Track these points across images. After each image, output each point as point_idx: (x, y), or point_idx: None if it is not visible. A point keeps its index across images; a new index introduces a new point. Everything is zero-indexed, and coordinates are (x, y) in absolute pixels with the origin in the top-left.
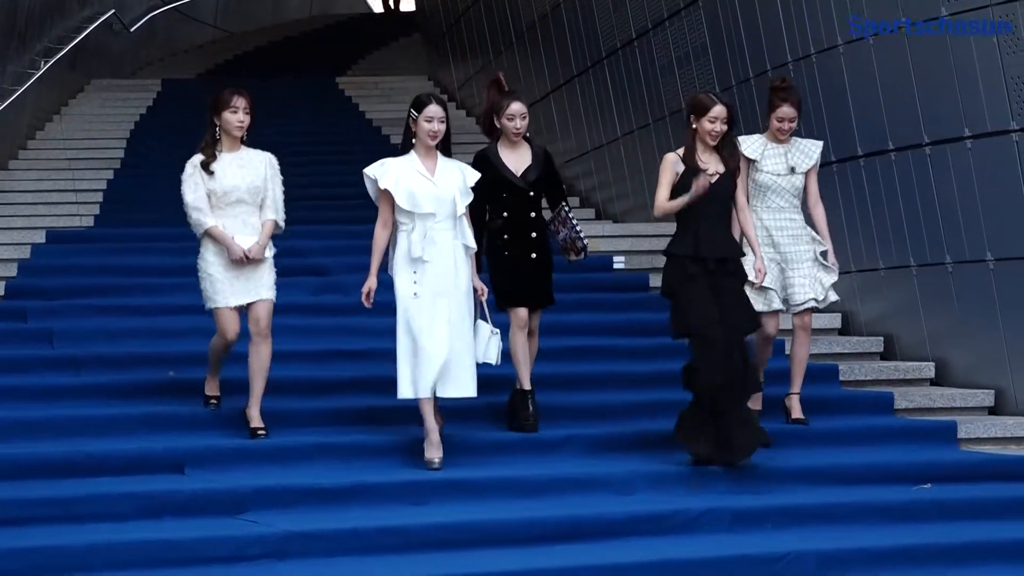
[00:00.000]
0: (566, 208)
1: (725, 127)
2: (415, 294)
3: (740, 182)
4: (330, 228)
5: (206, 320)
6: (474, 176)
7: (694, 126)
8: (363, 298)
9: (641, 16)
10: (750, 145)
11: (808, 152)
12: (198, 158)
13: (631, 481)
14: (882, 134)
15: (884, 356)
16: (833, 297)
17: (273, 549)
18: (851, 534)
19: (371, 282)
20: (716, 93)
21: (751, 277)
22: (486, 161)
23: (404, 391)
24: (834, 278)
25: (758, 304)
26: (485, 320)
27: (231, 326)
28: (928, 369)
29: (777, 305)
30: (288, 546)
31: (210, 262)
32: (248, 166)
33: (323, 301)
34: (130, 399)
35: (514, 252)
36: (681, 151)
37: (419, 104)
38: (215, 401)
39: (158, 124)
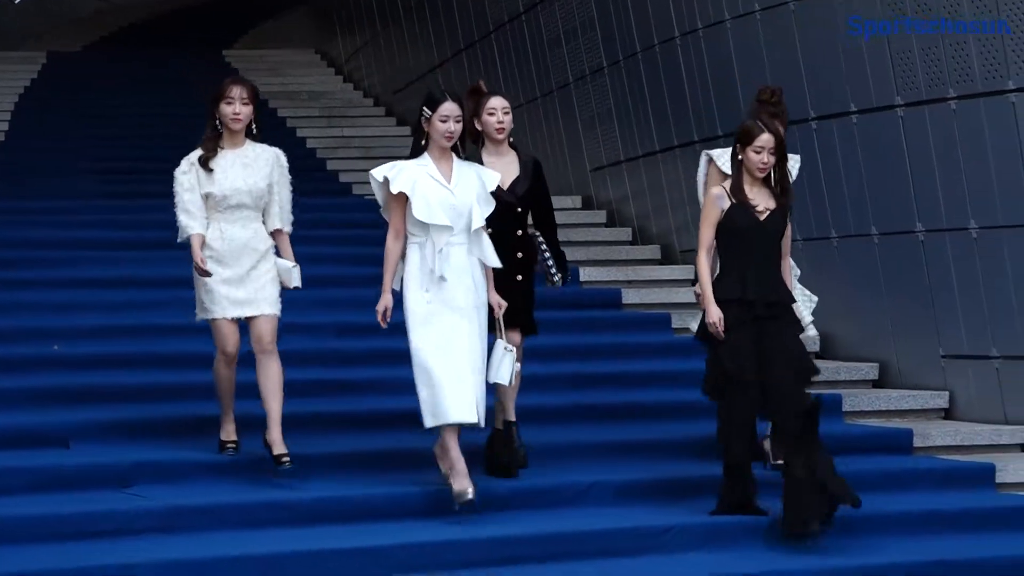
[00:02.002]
0: (539, 237)
1: (773, 158)
2: (429, 315)
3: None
4: None
5: (91, 293)
6: (493, 179)
7: (740, 157)
8: (379, 318)
9: None
10: (728, 160)
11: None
12: (196, 154)
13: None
14: None
15: None
16: (812, 332)
17: (159, 523)
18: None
19: (387, 299)
20: (765, 120)
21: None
22: None
23: (428, 420)
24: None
25: None
26: (500, 336)
27: (230, 338)
28: (813, 343)
29: None
30: (173, 520)
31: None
32: (253, 165)
33: None
34: (14, 373)
35: (497, 272)
36: (727, 184)
37: (433, 102)
38: (232, 446)
39: (43, 97)
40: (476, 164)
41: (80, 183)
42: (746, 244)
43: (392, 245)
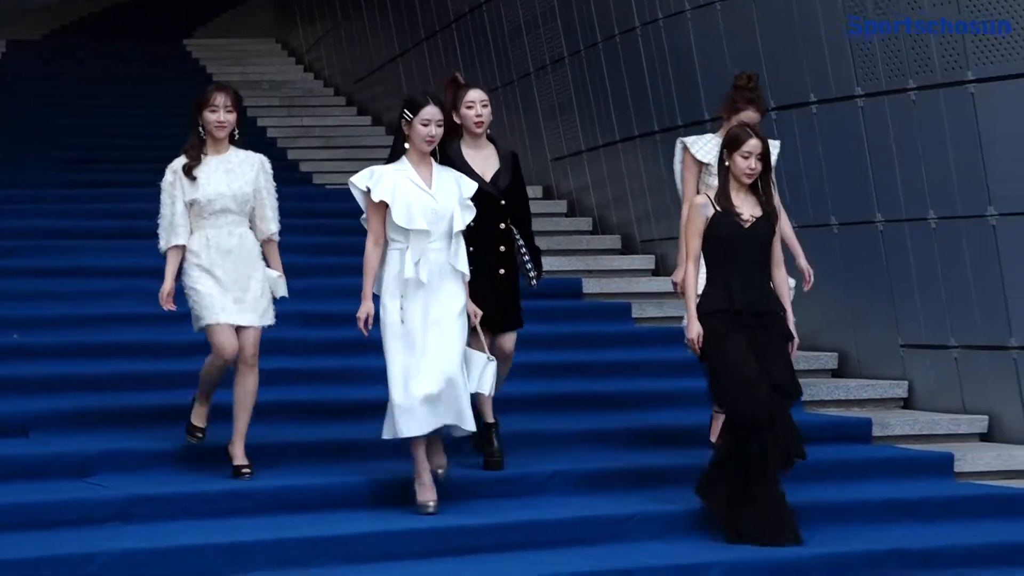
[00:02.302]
0: (518, 238)
1: (760, 164)
2: (402, 320)
3: (778, 226)
4: None
5: (51, 282)
6: (470, 187)
7: (727, 163)
8: (360, 325)
9: None
10: (702, 147)
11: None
12: (179, 162)
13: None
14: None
15: None
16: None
17: (118, 512)
18: None
19: (367, 306)
20: (752, 126)
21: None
22: (448, 164)
23: (389, 430)
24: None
25: None
26: (482, 345)
27: (228, 342)
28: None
29: None
30: (133, 509)
31: (195, 278)
32: (236, 171)
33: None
34: None
35: (480, 267)
36: (711, 192)
37: (414, 105)
38: (200, 435)
39: (3, 86)
40: (454, 170)
41: (41, 173)
42: (731, 252)
43: (372, 251)
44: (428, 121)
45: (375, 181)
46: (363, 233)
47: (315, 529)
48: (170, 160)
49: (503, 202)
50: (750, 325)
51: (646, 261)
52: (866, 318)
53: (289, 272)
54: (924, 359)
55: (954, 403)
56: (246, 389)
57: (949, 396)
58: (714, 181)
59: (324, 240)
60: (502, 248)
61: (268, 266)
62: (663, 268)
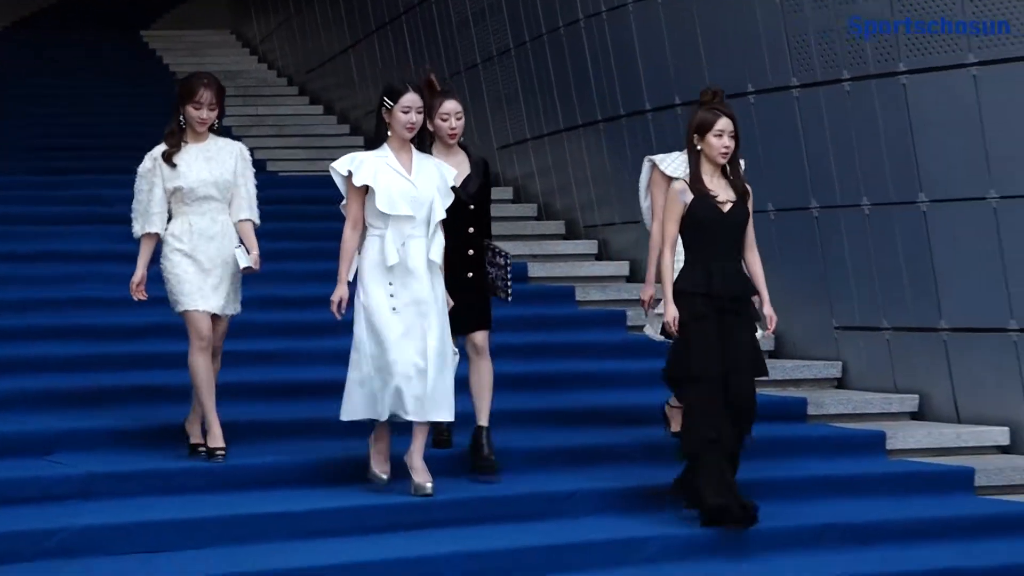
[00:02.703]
0: (497, 249)
1: (733, 142)
2: (393, 308)
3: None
4: (133, 179)
5: (14, 267)
6: (451, 173)
7: (699, 147)
8: (333, 308)
9: None
10: (670, 164)
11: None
12: (159, 150)
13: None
14: (668, 90)
15: None
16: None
17: (80, 489)
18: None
19: (342, 290)
20: (718, 106)
21: (767, 324)
22: None
23: (354, 412)
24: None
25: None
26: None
27: (203, 323)
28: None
29: None
30: (93, 486)
31: (175, 262)
32: (216, 158)
33: (126, 249)
34: None
35: (448, 269)
36: (687, 178)
37: (394, 93)
38: (222, 453)
39: None
40: (433, 157)
41: (4, 161)
42: (710, 236)
43: (350, 236)
44: (408, 108)
45: (356, 166)
46: (317, 219)
47: (270, 505)
48: (131, 147)
49: (471, 207)
50: (724, 309)
51: (589, 246)
52: (802, 301)
53: None
54: (857, 341)
55: (886, 383)
56: (213, 370)
57: (881, 376)
58: None
59: (278, 226)
60: (471, 252)
61: (241, 243)
62: (606, 253)
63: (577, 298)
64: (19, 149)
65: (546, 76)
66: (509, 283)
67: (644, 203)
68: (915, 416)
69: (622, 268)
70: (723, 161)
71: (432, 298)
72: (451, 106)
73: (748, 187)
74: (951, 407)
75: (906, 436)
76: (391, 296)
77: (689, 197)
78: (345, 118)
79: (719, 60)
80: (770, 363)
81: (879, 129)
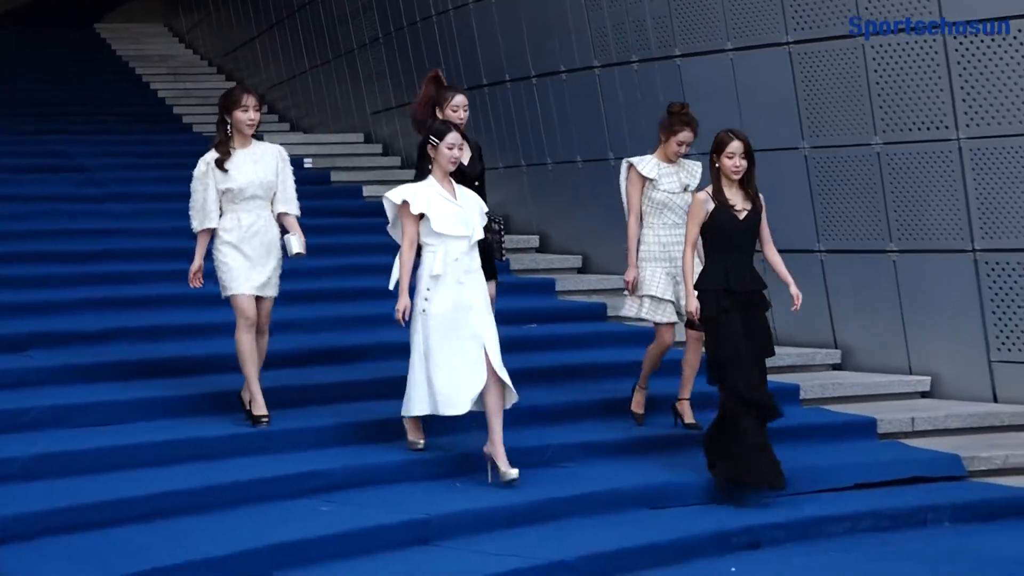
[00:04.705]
0: (493, 216)
1: (745, 162)
2: (449, 313)
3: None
4: (90, 137)
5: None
6: (481, 203)
7: (717, 164)
8: (399, 316)
9: None
10: (646, 165)
11: (692, 171)
12: (212, 155)
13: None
14: (500, 69)
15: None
16: None
17: (20, 471)
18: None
19: (405, 300)
20: (735, 129)
21: (794, 302)
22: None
23: (422, 408)
24: None
25: (656, 315)
26: None
27: (250, 306)
28: (534, 240)
29: (674, 317)
30: (35, 467)
31: (225, 253)
32: (261, 161)
33: (85, 192)
34: None
35: None
36: (710, 189)
37: (439, 133)
38: (266, 420)
39: None
40: (468, 189)
41: None
42: (727, 240)
43: (408, 253)
44: (452, 145)
45: (411, 196)
46: None
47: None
48: (84, 112)
49: (476, 183)
50: (742, 302)
51: None
52: (551, 214)
53: (169, 202)
54: None
55: None
56: (261, 347)
57: None
58: (657, 195)
59: None
60: None
61: (286, 232)
62: None
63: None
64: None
65: (406, 59)
66: (503, 245)
67: (626, 201)
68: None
69: None
70: (735, 178)
71: (482, 304)
72: (460, 99)
73: (761, 196)
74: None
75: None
76: (446, 303)
77: (711, 206)
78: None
79: (539, 46)
80: (576, 277)
81: (659, 99)
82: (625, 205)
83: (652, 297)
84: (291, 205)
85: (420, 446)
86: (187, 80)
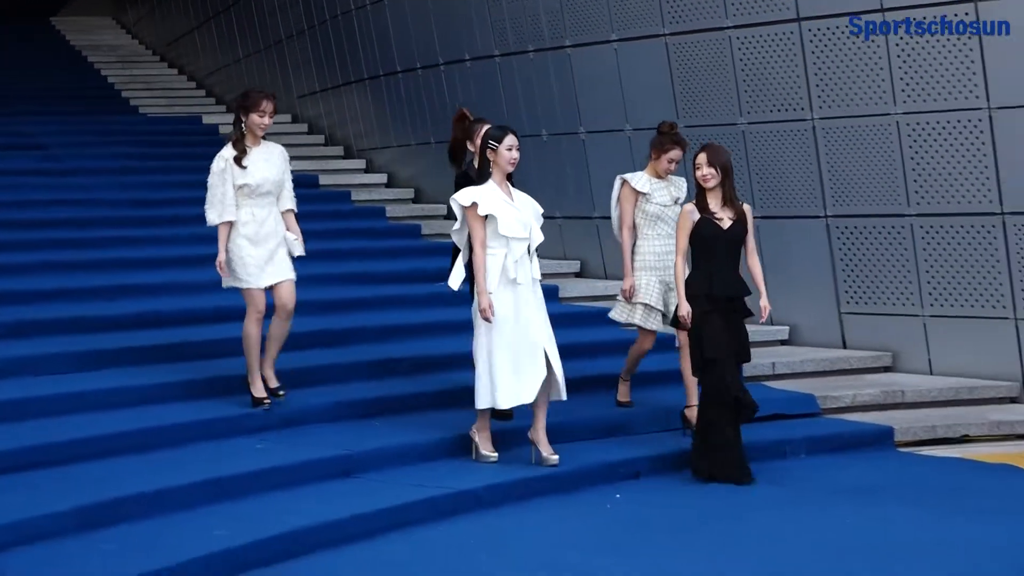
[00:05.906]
0: None
1: (711, 169)
2: (511, 312)
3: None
4: (48, 118)
5: None
6: (537, 206)
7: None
8: (488, 315)
9: None
10: (639, 180)
11: (680, 186)
12: (230, 152)
13: None
14: (412, 58)
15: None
16: None
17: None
18: None
19: (487, 299)
20: (711, 143)
21: (761, 314)
22: (468, 179)
23: (491, 401)
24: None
25: (647, 323)
26: None
27: (262, 299)
28: (442, 209)
29: (656, 325)
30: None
31: (241, 246)
32: (271, 159)
33: (44, 167)
34: None
35: None
36: (694, 201)
37: (498, 136)
38: (268, 401)
39: None
40: (520, 191)
41: None
42: (712, 249)
43: (481, 253)
44: (512, 146)
45: (480, 198)
46: (171, 145)
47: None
48: (40, 96)
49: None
50: (724, 308)
51: (359, 163)
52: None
53: (122, 175)
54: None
55: (556, 251)
56: (284, 331)
57: (555, 248)
58: (651, 208)
59: (148, 151)
60: None
61: (287, 230)
62: (372, 168)
63: (352, 199)
64: None
65: (328, 49)
66: None
67: (614, 213)
68: (577, 275)
69: (380, 178)
70: (708, 187)
71: (539, 302)
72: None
73: (746, 208)
74: (602, 270)
75: (572, 287)
76: (507, 303)
77: (697, 216)
78: (192, 77)
79: (447, 36)
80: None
81: (552, 87)
82: (615, 219)
83: (645, 305)
84: (293, 202)
85: (493, 459)
86: (134, 67)
